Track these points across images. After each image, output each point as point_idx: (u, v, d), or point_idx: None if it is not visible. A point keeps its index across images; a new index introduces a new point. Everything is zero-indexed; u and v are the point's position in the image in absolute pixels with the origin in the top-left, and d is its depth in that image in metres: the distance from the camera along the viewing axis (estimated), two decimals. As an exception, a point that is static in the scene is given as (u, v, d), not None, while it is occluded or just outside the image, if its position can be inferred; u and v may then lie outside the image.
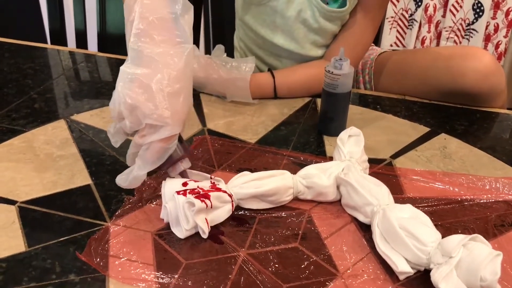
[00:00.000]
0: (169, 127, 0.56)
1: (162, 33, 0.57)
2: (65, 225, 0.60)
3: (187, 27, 0.59)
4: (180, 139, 0.61)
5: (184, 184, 0.59)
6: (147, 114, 0.55)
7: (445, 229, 0.61)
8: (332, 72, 0.75)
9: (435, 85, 0.89)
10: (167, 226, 0.59)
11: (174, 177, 0.62)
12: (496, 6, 1.99)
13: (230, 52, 1.11)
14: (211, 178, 0.63)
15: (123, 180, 0.59)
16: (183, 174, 0.62)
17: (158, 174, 0.68)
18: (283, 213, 0.63)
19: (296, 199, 0.65)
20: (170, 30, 0.58)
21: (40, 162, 0.71)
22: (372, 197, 0.59)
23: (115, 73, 1.02)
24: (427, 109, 0.90)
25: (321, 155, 0.76)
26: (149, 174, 0.63)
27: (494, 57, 0.88)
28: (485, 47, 2.09)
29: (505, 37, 2.04)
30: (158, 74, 0.56)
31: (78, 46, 1.31)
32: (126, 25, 0.59)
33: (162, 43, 0.57)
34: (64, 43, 1.32)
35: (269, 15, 0.92)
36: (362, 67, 1.06)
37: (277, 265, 0.55)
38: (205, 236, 0.58)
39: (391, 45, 2.16)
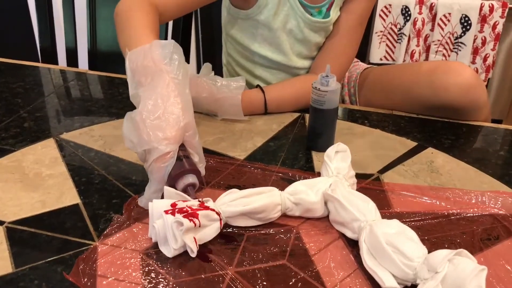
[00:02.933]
0: (157, 149, 0.61)
1: (148, 77, 0.65)
2: (53, 245, 0.60)
3: (177, 66, 0.66)
4: (180, 157, 0.64)
5: (173, 204, 0.59)
6: (137, 143, 0.63)
7: (432, 244, 0.61)
8: (319, 88, 0.76)
9: (419, 99, 0.91)
10: (155, 245, 0.59)
11: (180, 193, 0.63)
12: (483, 20, 2.02)
13: (220, 69, 1.12)
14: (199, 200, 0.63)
15: (140, 201, 0.66)
16: (187, 191, 0.63)
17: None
18: (271, 230, 0.63)
19: (284, 215, 0.65)
20: (154, 71, 0.65)
21: (29, 182, 0.71)
22: (359, 213, 0.60)
23: (105, 91, 1.02)
24: (414, 124, 0.91)
25: (310, 170, 0.76)
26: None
27: (475, 72, 0.90)
28: (473, 60, 2.11)
29: (492, 50, 2.07)
30: (141, 108, 0.63)
31: (69, 64, 1.32)
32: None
33: (146, 83, 0.65)
34: (55, 61, 1.32)
35: (256, 28, 0.94)
36: (348, 80, 1.08)
37: (265, 283, 0.55)
38: (193, 255, 0.58)
39: (381, 59, 2.18)
